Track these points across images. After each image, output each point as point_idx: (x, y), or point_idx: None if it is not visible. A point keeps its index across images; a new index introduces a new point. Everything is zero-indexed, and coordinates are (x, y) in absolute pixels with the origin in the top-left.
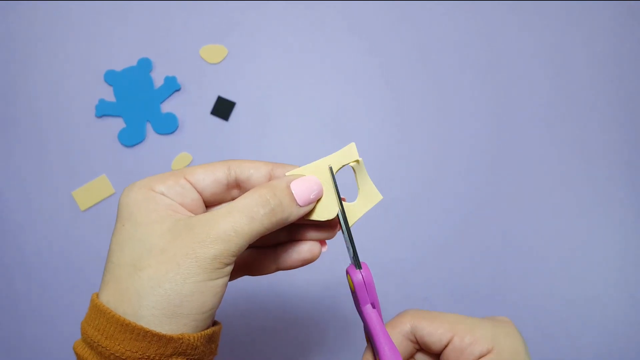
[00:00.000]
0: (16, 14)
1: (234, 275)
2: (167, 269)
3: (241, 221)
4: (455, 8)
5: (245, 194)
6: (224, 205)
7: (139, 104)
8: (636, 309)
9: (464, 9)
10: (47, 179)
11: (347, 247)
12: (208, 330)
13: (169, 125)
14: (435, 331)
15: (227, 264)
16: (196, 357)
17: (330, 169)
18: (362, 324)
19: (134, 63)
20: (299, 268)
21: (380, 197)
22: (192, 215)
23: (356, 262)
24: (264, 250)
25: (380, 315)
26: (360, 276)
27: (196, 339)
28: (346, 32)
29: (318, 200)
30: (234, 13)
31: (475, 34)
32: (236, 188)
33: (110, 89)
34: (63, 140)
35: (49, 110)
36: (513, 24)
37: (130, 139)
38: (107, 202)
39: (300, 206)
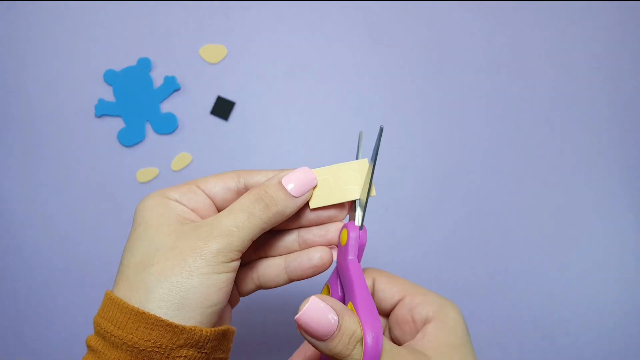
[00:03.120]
0: (15, 13)
1: (248, 289)
2: (173, 263)
3: (241, 217)
4: (456, 8)
5: (243, 195)
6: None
7: (138, 104)
8: (636, 309)
9: (464, 9)
10: (47, 178)
11: (356, 209)
12: (222, 327)
13: (168, 125)
14: (390, 288)
15: (232, 259)
16: (206, 351)
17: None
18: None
19: (133, 63)
20: (310, 278)
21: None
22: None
23: (361, 222)
24: (276, 260)
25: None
26: (357, 233)
27: (209, 333)
28: (346, 32)
29: (315, 188)
30: (234, 13)
31: (475, 35)
32: None
33: (110, 88)
34: (62, 139)
35: (48, 109)
36: (513, 24)
37: (130, 138)
38: None
39: (296, 197)
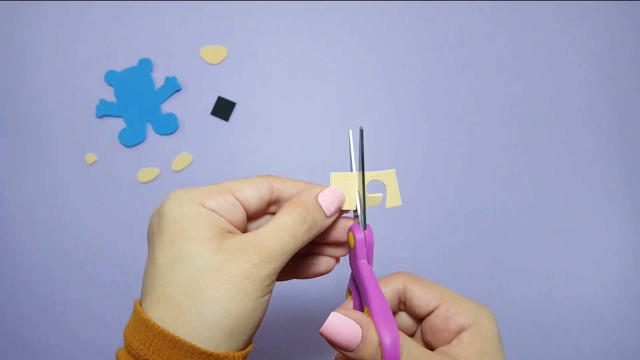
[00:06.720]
0: (17, 14)
1: None
2: (225, 290)
3: (287, 240)
4: (455, 8)
5: (284, 212)
6: (265, 220)
7: (139, 105)
8: (635, 309)
9: (464, 9)
10: (48, 178)
11: (357, 212)
12: (249, 347)
13: (169, 126)
14: (425, 296)
15: (274, 280)
16: None
17: (361, 130)
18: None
19: (134, 63)
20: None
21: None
22: (238, 232)
23: (363, 223)
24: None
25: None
26: (363, 234)
27: (240, 357)
28: (346, 32)
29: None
30: (234, 13)
31: (473, 35)
32: (275, 204)
33: (111, 89)
34: (63, 140)
35: (50, 110)
36: (513, 24)
37: (131, 139)
38: None
39: (328, 217)
